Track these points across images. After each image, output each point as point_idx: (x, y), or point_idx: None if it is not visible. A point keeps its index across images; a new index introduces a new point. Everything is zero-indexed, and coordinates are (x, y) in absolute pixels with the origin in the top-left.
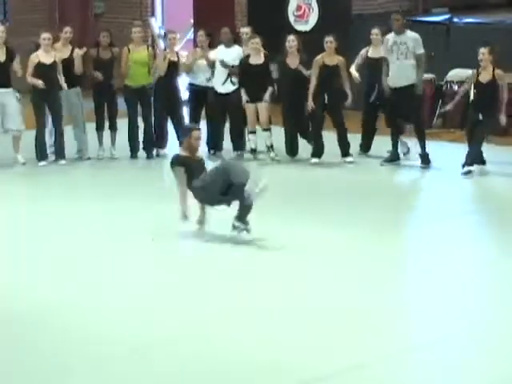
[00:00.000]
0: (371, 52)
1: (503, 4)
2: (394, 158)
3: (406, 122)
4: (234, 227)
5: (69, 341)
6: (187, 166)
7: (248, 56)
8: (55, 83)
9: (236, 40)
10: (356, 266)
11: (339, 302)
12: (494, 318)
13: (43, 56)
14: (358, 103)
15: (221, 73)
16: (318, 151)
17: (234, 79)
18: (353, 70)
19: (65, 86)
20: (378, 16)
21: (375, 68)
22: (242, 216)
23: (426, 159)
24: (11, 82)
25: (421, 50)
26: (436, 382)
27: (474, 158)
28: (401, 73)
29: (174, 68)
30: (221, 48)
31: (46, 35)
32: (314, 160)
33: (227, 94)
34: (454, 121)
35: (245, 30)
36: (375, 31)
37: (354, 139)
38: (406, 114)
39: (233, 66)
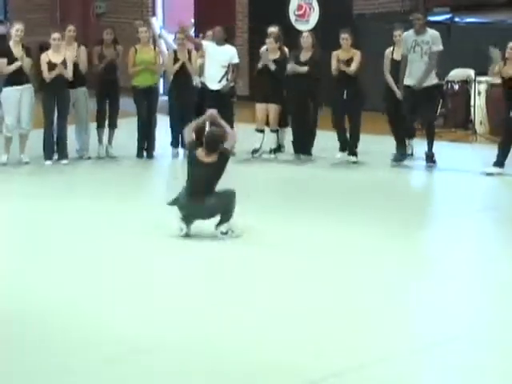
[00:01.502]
0: (396, 54)
1: (504, 4)
2: (402, 158)
3: (416, 122)
4: (223, 233)
5: (69, 341)
6: None
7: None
8: (65, 82)
9: (227, 39)
10: (357, 266)
11: (340, 302)
12: (495, 319)
13: (53, 55)
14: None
15: (217, 70)
16: (343, 145)
17: (230, 77)
18: (388, 76)
19: (70, 75)
20: (379, 16)
21: (399, 69)
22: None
23: (432, 159)
24: (29, 79)
25: (439, 47)
26: (436, 382)
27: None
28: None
29: (186, 68)
30: (211, 45)
31: (56, 35)
32: (341, 155)
33: (219, 90)
34: (456, 120)
35: (271, 30)
36: (398, 32)
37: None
38: (423, 113)
39: (229, 66)
